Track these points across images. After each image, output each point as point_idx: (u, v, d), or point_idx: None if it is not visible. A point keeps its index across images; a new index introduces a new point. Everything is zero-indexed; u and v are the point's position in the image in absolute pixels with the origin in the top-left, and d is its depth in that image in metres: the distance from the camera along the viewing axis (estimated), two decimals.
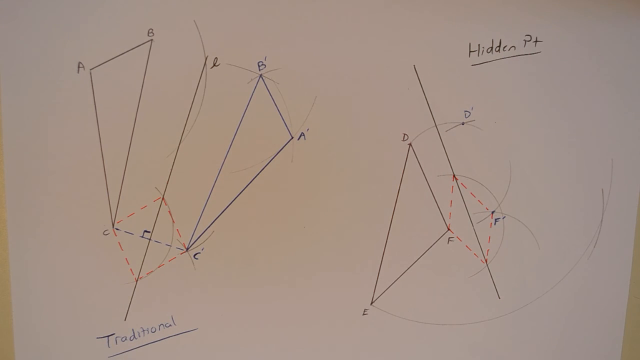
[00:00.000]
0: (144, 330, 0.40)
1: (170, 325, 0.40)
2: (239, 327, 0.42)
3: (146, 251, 0.39)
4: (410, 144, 0.43)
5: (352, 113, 0.41)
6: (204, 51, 0.37)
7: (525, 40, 0.43)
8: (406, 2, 0.40)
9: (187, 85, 0.38)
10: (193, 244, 0.39)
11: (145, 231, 0.38)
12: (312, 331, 0.43)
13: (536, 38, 0.43)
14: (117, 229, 0.38)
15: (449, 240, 0.45)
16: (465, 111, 0.43)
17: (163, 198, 0.38)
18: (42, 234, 0.36)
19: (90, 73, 0.36)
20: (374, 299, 0.44)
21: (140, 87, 0.37)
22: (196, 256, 0.40)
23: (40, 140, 0.35)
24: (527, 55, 0.43)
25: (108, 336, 0.39)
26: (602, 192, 0.47)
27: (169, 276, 0.39)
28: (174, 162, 0.38)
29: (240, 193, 0.40)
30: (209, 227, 0.40)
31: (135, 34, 0.36)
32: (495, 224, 0.45)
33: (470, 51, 0.42)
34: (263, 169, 0.40)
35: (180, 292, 0.40)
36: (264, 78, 0.39)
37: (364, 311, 0.44)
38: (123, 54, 0.36)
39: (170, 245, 0.39)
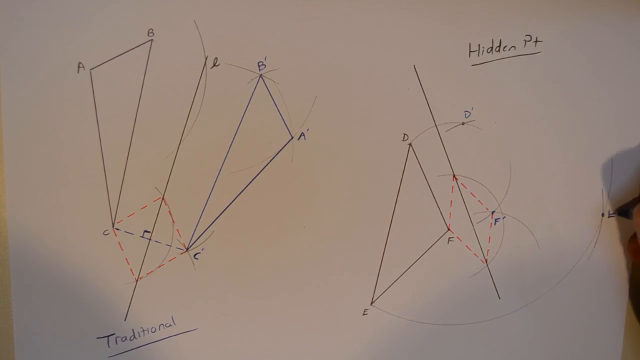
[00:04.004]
0: (144, 330, 0.40)
1: (170, 325, 0.40)
2: (239, 327, 0.42)
3: (146, 251, 0.39)
4: (410, 144, 0.43)
5: (352, 113, 0.41)
6: (204, 51, 0.37)
7: (525, 40, 0.43)
8: (406, 2, 0.40)
9: (187, 85, 0.38)
10: (193, 244, 0.39)
11: (145, 231, 0.38)
12: (312, 331, 0.43)
13: (536, 38, 0.43)
14: (117, 229, 0.38)
15: (449, 240, 0.45)
16: (465, 111, 0.43)
17: (163, 198, 0.38)
18: (42, 234, 0.36)
19: (90, 73, 0.36)
20: (374, 299, 0.44)
21: (140, 87, 0.37)
22: (196, 256, 0.40)
23: (40, 140, 0.35)
24: (527, 55, 0.43)
25: (108, 336, 0.39)
26: (602, 192, 0.47)
27: (169, 276, 0.39)
28: (174, 162, 0.38)
29: (240, 193, 0.40)
30: (209, 227, 0.40)
31: (135, 34, 0.36)
32: (495, 224, 0.45)
33: (470, 51, 0.42)
34: (263, 169, 0.40)
35: (180, 292, 0.40)
36: (264, 78, 0.39)
37: (364, 311, 0.44)
38: (123, 54, 0.36)
39: (170, 245, 0.39)
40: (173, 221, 0.39)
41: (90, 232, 0.37)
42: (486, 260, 0.46)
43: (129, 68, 0.36)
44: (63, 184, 0.36)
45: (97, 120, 0.36)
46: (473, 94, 0.43)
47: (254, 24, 0.38)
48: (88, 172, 0.37)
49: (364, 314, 0.44)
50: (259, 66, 0.39)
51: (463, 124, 0.43)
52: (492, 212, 0.45)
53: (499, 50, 0.43)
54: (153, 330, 0.40)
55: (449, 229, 0.44)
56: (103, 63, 0.36)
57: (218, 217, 0.40)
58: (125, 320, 0.39)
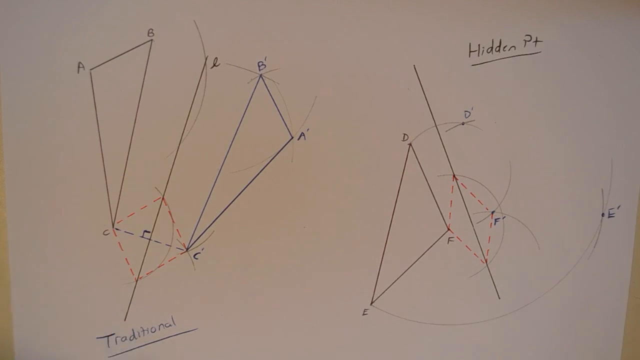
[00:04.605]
0: (144, 330, 0.40)
1: (170, 325, 0.40)
2: (239, 327, 0.42)
3: (146, 251, 0.39)
4: (410, 144, 0.43)
5: (352, 113, 0.41)
6: (204, 51, 0.37)
7: (525, 40, 0.43)
8: (406, 2, 0.40)
9: (187, 85, 0.38)
10: (193, 244, 0.39)
11: (145, 231, 0.38)
12: (312, 331, 0.43)
13: (536, 38, 0.43)
14: (117, 229, 0.38)
15: (449, 240, 0.45)
16: (465, 111, 0.43)
17: (163, 198, 0.38)
18: (42, 234, 0.36)
19: (90, 73, 0.36)
20: (374, 299, 0.44)
21: (140, 87, 0.37)
22: (196, 256, 0.40)
23: (40, 140, 0.35)
24: (527, 55, 0.43)
25: (108, 336, 0.39)
26: (602, 192, 0.47)
27: (169, 276, 0.39)
28: (174, 162, 0.38)
29: (240, 193, 0.40)
30: (209, 227, 0.40)
31: (135, 34, 0.36)
32: (495, 224, 0.45)
33: (470, 51, 0.42)
34: (263, 169, 0.40)
35: (180, 292, 0.40)
36: (264, 78, 0.39)
37: (364, 311, 0.44)
38: (123, 54, 0.36)
39: (170, 245, 0.39)
40: (173, 221, 0.39)
41: (90, 232, 0.37)
42: (486, 260, 0.46)
43: (129, 68, 0.36)
44: (63, 184, 0.36)
45: (97, 120, 0.36)
46: (473, 94, 0.43)
47: (254, 24, 0.38)
48: (88, 172, 0.37)
49: (364, 314, 0.44)
50: (259, 66, 0.39)
51: (463, 124, 0.43)
52: (492, 212, 0.45)
53: (499, 50, 0.43)
54: (153, 330, 0.40)
55: (449, 229, 0.44)
56: (103, 63, 0.36)
57: (218, 217, 0.40)
58: (125, 320, 0.39)
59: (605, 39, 0.45)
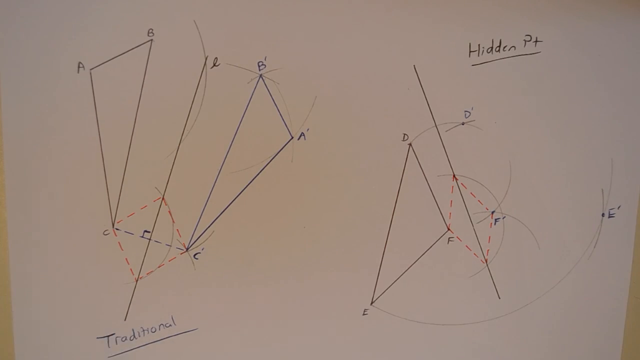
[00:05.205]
0: (144, 330, 0.40)
1: (170, 325, 0.40)
2: (239, 327, 0.42)
3: (146, 251, 0.39)
4: (410, 144, 0.43)
5: (352, 113, 0.41)
6: (204, 51, 0.37)
7: (525, 40, 0.43)
8: (406, 2, 0.40)
9: (187, 85, 0.38)
10: (193, 244, 0.39)
11: (145, 231, 0.38)
12: (312, 331, 0.43)
13: (536, 38, 0.43)
14: (117, 229, 0.38)
15: (449, 240, 0.45)
16: (465, 111, 0.43)
17: (163, 198, 0.38)
18: (42, 234, 0.36)
19: (90, 73, 0.36)
20: (374, 299, 0.44)
21: (140, 87, 0.37)
22: (196, 256, 0.40)
23: (40, 140, 0.35)
24: (527, 55, 0.43)
25: (108, 336, 0.39)
26: (602, 192, 0.47)
27: (169, 276, 0.39)
28: (174, 162, 0.38)
29: (240, 193, 0.40)
30: (209, 227, 0.40)
31: (135, 34, 0.36)
32: (495, 224, 0.45)
33: (470, 51, 0.42)
34: (263, 169, 0.40)
35: (180, 292, 0.40)
36: (264, 78, 0.39)
37: (364, 311, 0.44)
38: (123, 54, 0.36)
39: (170, 245, 0.39)
40: (173, 221, 0.39)
41: (90, 232, 0.37)
42: (486, 260, 0.46)
43: (129, 68, 0.36)
44: (63, 184, 0.36)
45: (97, 120, 0.36)
46: (473, 94, 0.43)
47: (254, 24, 0.38)
48: (88, 172, 0.37)
49: (364, 314, 0.44)
50: (259, 66, 0.39)
51: (463, 124, 0.43)
52: (492, 212, 0.45)
53: (499, 50, 0.43)
54: (153, 330, 0.40)
55: (449, 229, 0.44)
56: (103, 63, 0.36)
57: (218, 217, 0.40)
58: (125, 320, 0.39)
59: (605, 39, 0.45)
